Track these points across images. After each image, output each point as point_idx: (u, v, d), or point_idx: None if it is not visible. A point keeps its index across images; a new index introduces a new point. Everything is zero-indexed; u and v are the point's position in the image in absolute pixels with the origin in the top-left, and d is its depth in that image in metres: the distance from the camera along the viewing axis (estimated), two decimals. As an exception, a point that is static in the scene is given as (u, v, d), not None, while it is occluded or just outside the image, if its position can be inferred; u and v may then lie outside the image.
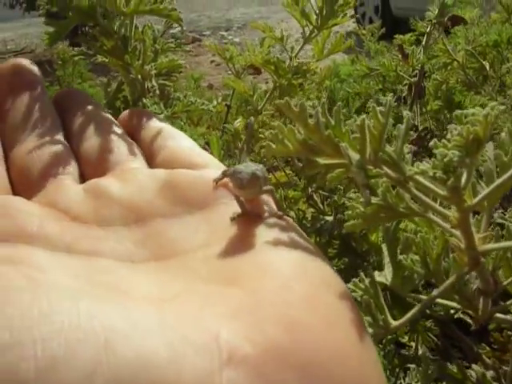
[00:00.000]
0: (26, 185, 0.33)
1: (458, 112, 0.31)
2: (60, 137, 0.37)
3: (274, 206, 0.33)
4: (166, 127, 0.40)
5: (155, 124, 0.40)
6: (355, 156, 0.31)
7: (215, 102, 1.30)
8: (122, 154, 0.36)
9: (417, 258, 0.47)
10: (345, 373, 0.19)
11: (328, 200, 0.81)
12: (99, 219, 0.30)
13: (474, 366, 0.50)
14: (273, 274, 0.24)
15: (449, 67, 1.08)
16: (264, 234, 0.28)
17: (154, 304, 0.20)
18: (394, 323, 0.38)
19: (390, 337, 0.79)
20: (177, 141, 0.38)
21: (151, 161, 0.37)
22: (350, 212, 0.36)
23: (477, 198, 0.33)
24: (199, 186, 0.31)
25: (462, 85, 1.10)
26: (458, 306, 0.50)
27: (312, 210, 0.88)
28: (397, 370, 0.80)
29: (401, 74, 1.00)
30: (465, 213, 0.33)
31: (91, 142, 0.37)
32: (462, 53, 1.10)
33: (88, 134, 0.38)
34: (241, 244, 0.27)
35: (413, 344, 0.89)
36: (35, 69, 0.39)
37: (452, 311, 0.80)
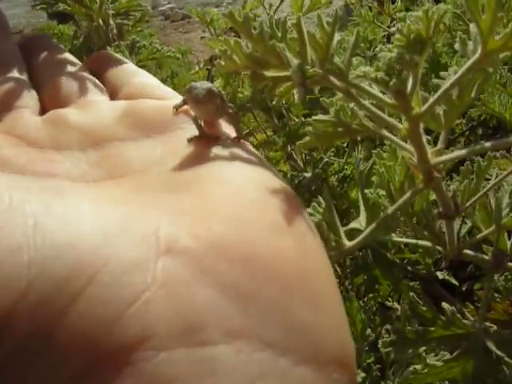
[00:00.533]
0: None
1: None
2: (22, 75, 0.37)
3: (233, 131, 0.32)
4: (131, 66, 0.39)
5: (119, 63, 0.39)
6: (296, 62, 0.31)
7: (197, 68, 1.28)
8: (84, 88, 0.36)
9: (383, 192, 0.47)
10: (285, 270, 0.19)
11: (307, 158, 0.81)
12: (56, 144, 0.30)
13: (443, 303, 0.49)
14: (225, 182, 0.24)
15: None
16: (219, 152, 0.28)
17: (96, 202, 0.20)
18: (348, 244, 0.37)
19: (371, 295, 0.78)
20: (141, 77, 0.37)
21: (114, 96, 0.36)
22: (305, 130, 0.35)
23: (426, 105, 0.32)
24: (159, 113, 0.31)
25: (449, 47, 1.09)
26: (429, 244, 0.50)
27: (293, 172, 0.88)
28: (379, 328, 0.79)
29: (377, 23, 0.98)
30: (414, 121, 0.32)
31: (53, 79, 0.37)
32: (449, 15, 1.09)
33: (51, 72, 0.37)
34: (195, 160, 0.27)
35: (397, 306, 0.89)
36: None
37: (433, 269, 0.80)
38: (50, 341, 0.15)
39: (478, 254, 0.50)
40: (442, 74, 0.34)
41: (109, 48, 0.53)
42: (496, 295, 0.65)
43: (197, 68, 1.17)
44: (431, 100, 0.32)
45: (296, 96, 0.29)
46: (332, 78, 0.32)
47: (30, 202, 0.17)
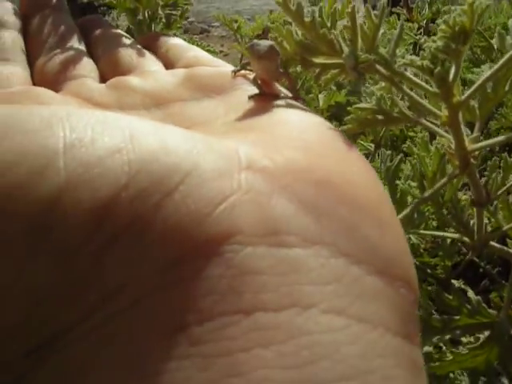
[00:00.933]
0: (47, 85, 0.35)
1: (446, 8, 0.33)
2: (82, 47, 0.39)
3: (289, 92, 0.34)
4: (183, 42, 0.42)
5: (173, 40, 0.42)
6: (348, 50, 0.33)
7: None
8: (143, 59, 0.38)
9: (414, 183, 0.49)
10: (356, 194, 0.21)
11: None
12: (121, 105, 0.32)
13: (469, 291, 0.51)
14: (290, 123, 0.26)
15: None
16: (280, 104, 0.30)
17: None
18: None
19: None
20: (196, 52, 0.39)
21: (170, 69, 0.38)
22: (348, 117, 0.38)
23: (467, 93, 0.34)
24: (218, 77, 0.33)
25: (469, 62, 1.12)
26: (456, 236, 0.52)
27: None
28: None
29: (405, 30, 1.01)
30: (454, 109, 0.35)
31: (111, 51, 0.39)
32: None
33: (108, 45, 0.40)
34: (258, 111, 0.28)
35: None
36: None
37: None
38: (148, 230, 0.17)
39: (503, 247, 0.52)
40: (475, 70, 0.37)
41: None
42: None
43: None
44: (470, 90, 0.35)
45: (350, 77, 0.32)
46: (378, 67, 0.35)
47: (124, 119, 0.19)
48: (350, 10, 0.32)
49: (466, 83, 1.06)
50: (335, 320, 0.16)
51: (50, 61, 0.37)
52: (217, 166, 0.19)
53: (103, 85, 0.35)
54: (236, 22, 1.09)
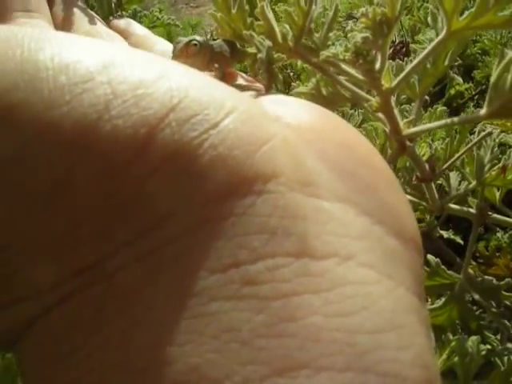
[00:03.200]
0: None
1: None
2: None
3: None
4: (152, 35, 0.42)
5: (142, 30, 0.42)
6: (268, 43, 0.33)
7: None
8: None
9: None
10: (373, 160, 0.21)
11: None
12: None
13: (428, 256, 0.53)
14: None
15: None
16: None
17: None
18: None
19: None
20: (163, 46, 0.39)
21: None
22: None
23: (396, 80, 0.35)
24: None
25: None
26: (416, 200, 0.53)
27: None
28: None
29: None
30: (384, 96, 0.35)
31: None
32: None
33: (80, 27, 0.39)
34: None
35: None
36: None
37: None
38: (195, 159, 0.16)
39: (462, 208, 0.53)
40: (416, 47, 0.37)
41: (111, 18, 0.56)
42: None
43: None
44: (400, 76, 0.35)
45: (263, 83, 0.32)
46: (307, 54, 0.35)
47: (155, 56, 0.20)
48: (259, 10, 0.32)
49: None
50: (370, 273, 0.17)
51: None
52: (254, 110, 0.19)
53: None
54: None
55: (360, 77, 0.35)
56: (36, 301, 0.16)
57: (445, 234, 0.86)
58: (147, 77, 0.17)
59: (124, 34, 0.41)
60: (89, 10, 0.43)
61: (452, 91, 1.12)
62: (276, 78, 0.33)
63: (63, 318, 0.16)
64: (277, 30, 0.34)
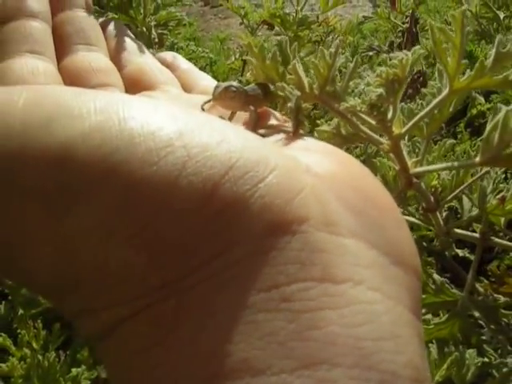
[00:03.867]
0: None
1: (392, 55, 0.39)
2: (105, 53, 0.43)
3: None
4: (196, 69, 0.48)
5: (186, 64, 0.48)
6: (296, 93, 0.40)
7: (233, 58, 1.35)
8: (164, 78, 0.43)
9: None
10: (381, 199, 0.26)
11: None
12: None
13: (434, 274, 0.59)
14: (311, 145, 0.31)
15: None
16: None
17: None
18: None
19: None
20: (208, 81, 0.45)
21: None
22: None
23: (406, 127, 0.41)
24: None
25: (475, 34, 1.15)
26: (423, 224, 0.59)
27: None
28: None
29: (394, 20, 1.06)
30: (394, 140, 0.41)
31: (137, 65, 0.43)
32: (476, 2, 1.14)
33: (130, 57, 0.44)
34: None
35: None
36: None
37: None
38: (248, 206, 0.21)
39: (467, 233, 0.59)
40: (423, 90, 0.43)
41: (152, 51, 0.63)
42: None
43: (233, 58, 1.27)
44: (409, 124, 0.41)
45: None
46: (330, 101, 0.42)
47: (216, 120, 0.24)
48: (291, 66, 0.39)
49: (472, 57, 1.10)
50: (376, 295, 0.21)
51: (78, 62, 0.40)
52: (290, 165, 0.23)
53: None
54: (243, 8, 1.14)
55: (375, 124, 0.41)
56: (128, 306, 0.21)
57: (460, 252, 0.91)
58: (212, 141, 0.22)
59: (171, 67, 0.47)
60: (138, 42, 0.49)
61: (474, 111, 1.18)
62: (302, 125, 0.39)
63: (149, 320, 0.21)
64: (305, 81, 0.40)
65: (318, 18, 1.06)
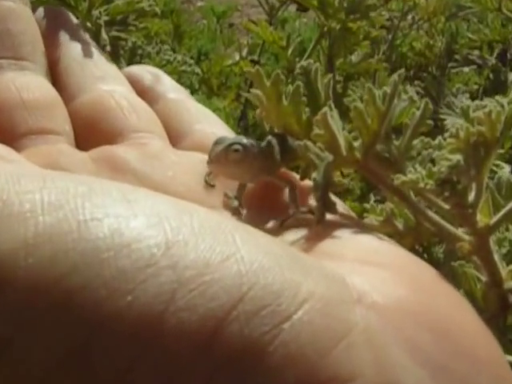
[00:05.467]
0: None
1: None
2: (45, 75, 0.32)
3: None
4: (190, 99, 0.34)
5: (174, 91, 0.34)
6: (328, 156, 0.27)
7: (237, 57, 0.85)
8: (137, 122, 0.31)
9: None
10: (474, 345, 0.20)
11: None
12: None
13: None
14: (371, 249, 0.25)
15: None
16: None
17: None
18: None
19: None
20: (207, 124, 0.33)
21: (174, 141, 0.32)
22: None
23: (495, 218, 0.27)
24: None
25: None
26: None
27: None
28: None
29: (508, 13, 0.75)
30: (480, 236, 0.27)
31: (94, 98, 0.31)
32: None
33: (84, 80, 0.32)
34: (318, 234, 0.26)
35: None
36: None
37: None
38: (265, 357, 0.16)
39: None
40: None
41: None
42: None
43: (237, 57, 0.84)
44: (502, 212, 0.27)
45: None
46: (380, 172, 0.28)
47: (223, 221, 0.19)
48: (320, 117, 0.26)
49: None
50: None
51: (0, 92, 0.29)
52: (332, 294, 0.18)
53: (86, 155, 0.28)
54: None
55: (447, 208, 0.27)
56: None
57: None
58: (214, 257, 0.17)
59: (149, 97, 0.32)
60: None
61: None
62: (332, 210, 0.26)
63: None
64: (341, 141, 0.27)
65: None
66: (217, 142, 0.28)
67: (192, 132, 0.31)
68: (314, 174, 0.27)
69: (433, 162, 0.28)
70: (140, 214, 0.17)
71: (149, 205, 0.18)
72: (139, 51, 0.42)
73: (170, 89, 0.33)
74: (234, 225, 0.19)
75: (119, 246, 0.16)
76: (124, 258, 0.16)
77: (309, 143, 0.27)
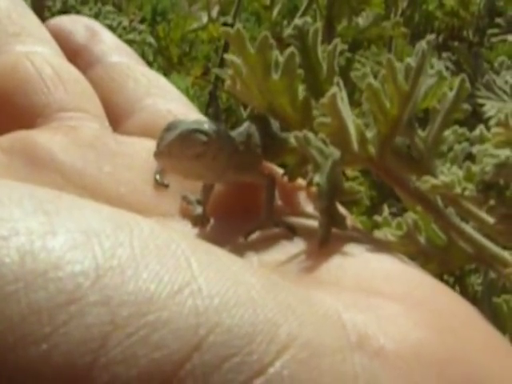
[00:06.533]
0: None
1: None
2: None
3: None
4: (139, 63, 0.30)
5: (116, 52, 0.29)
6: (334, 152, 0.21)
7: (204, 19, 0.59)
8: (65, 97, 0.26)
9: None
10: None
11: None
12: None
13: None
14: (381, 275, 0.22)
15: None
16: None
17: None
18: None
19: None
20: (160, 98, 0.28)
21: (115, 120, 0.27)
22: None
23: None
24: None
25: None
26: None
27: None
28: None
29: None
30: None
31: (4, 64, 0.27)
32: None
33: None
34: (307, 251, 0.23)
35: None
36: None
37: None
38: None
39: None
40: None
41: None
42: None
43: (205, 19, 0.66)
44: None
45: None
46: (400, 173, 0.22)
47: (181, 245, 0.17)
48: (327, 99, 0.20)
49: None
50: None
51: None
52: (322, 338, 0.16)
53: None
54: None
55: (491, 221, 0.22)
56: None
57: None
58: (161, 289, 0.14)
59: (84, 58, 0.27)
60: None
61: None
62: (341, 225, 0.20)
63: None
64: (352, 133, 0.21)
65: None
66: (169, 128, 0.23)
67: (140, 109, 0.26)
68: (316, 177, 0.22)
69: (471, 159, 0.22)
70: (61, 231, 0.15)
71: (74, 217, 0.15)
72: (71, 13, 0.36)
73: (112, 49, 0.28)
74: (189, 244, 0.16)
75: (31, 275, 0.14)
76: (38, 291, 0.14)
77: (310, 135, 0.21)
